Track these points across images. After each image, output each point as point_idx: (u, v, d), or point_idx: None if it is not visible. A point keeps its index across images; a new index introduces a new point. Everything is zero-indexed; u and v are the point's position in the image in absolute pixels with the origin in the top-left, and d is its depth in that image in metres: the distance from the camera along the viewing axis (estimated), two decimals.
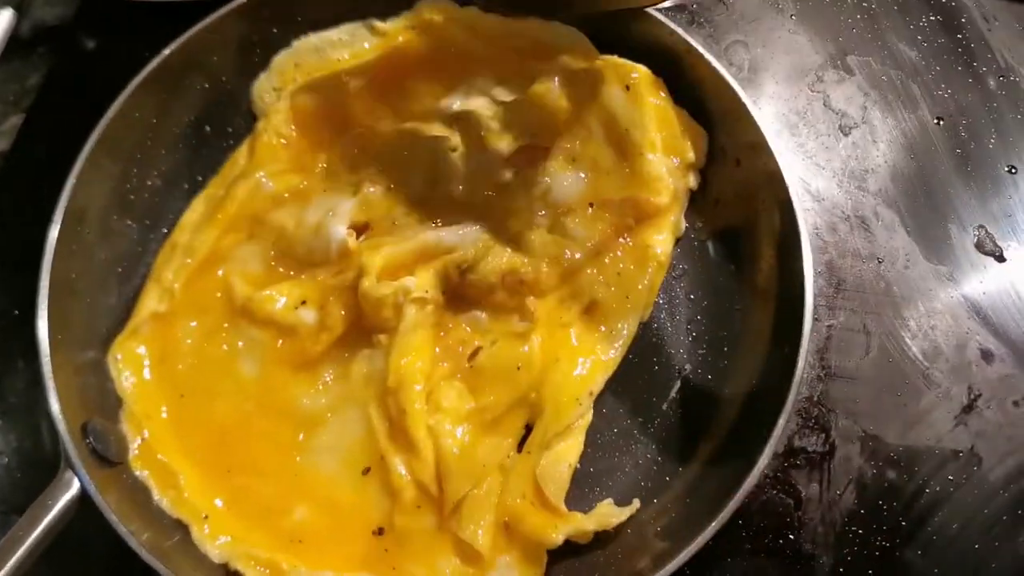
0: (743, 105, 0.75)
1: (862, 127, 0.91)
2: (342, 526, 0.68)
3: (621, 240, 0.75)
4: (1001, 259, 0.86)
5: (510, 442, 0.71)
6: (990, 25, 0.97)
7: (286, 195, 0.76)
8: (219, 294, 0.75)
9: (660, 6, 0.75)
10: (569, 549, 0.69)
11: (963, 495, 0.77)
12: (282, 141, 0.78)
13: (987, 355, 0.82)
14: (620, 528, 0.70)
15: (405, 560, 0.67)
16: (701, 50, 0.77)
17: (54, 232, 0.69)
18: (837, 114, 0.92)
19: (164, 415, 0.71)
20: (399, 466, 0.68)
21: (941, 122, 0.92)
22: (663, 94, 0.76)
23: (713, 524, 0.64)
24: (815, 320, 0.78)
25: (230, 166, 0.80)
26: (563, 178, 0.75)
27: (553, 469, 0.69)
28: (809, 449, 0.78)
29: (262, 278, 0.75)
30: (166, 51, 0.76)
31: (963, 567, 0.75)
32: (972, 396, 0.81)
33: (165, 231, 0.79)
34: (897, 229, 0.87)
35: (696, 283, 0.80)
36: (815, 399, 0.80)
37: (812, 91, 0.93)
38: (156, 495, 0.68)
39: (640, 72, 0.75)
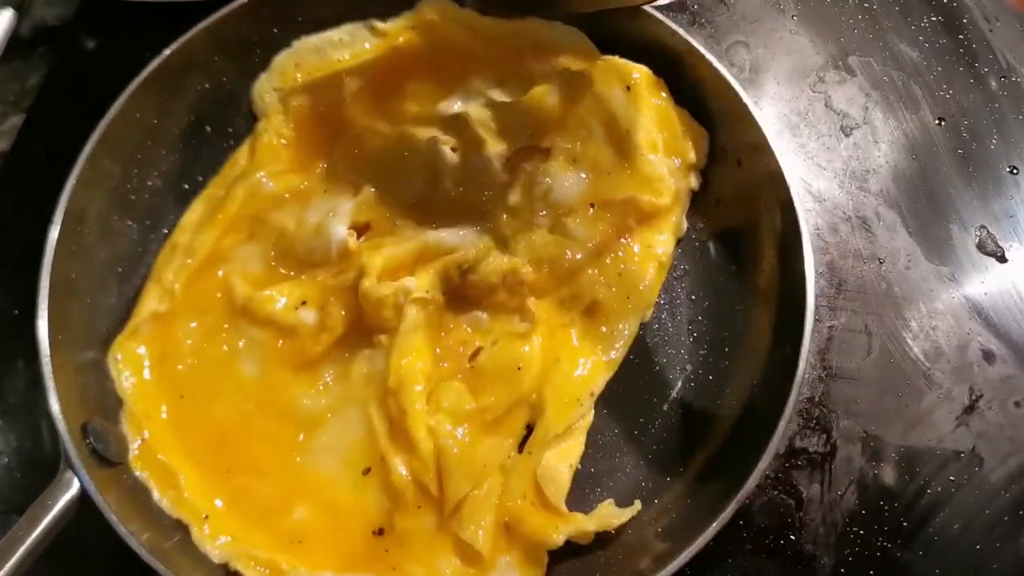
0: (744, 106, 0.75)
1: (863, 128, 0.91)
2: (342, 526, 0.68)
3: (622, 240, 0.75)
4: (1003, 260, 0.86)
5: (511, 442, 0.71)
6: (991, 26, 0.97)
7: (286, 195, 0.76)
8: (219, 294, 0.75)
9: (657, 4, 0.75)
10: (570, 550, 0.68)
11: (964, 496, 0.77)
12: (282, 141, 0.78)
13: (988, 356, 0.82)
14: (621, 529, 0.69)
15: (405, 560, 0.66)
16: (702, 50, 0.76)
17: (54, 232, 0.69)
18: (838, 115, 0.92)
19: (164, 415, 0.71)
20: (399, 466, 0.68)
21: (942, 123, 0.92)
22: (664, 94, 0.76)
23: (714, 525, 0.64)
24: (816, 321, 0.78)
25: (230, 166, 0.80)
26: (564, 179, 0.75)
27: (554, 470, 0.69)
28: (810, 450, 0.78)
29: (262, 278, 0.75)
30: (166, 51, 0.75)
31: (964, 568, 0.74)
32: (973, 397, 0.80)
33: (165, 231, 0.79)
34: (898, 230, 0.86)
35: (697, 283, 0.80)
36: (816, 400, 0.79)
37: (813, 92, 0.93)
38: (156, 495, 0.68)
39: (641, 72, 0.75)
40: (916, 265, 0.85)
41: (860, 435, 0.78)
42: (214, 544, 0.66)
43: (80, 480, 0.63)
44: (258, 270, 0.76)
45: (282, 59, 0.81)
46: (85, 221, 0.72)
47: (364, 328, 0.72)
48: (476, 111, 0.75)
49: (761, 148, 0.74)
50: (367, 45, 0.81)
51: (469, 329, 0.74)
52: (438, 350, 0.73)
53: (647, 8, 0.77)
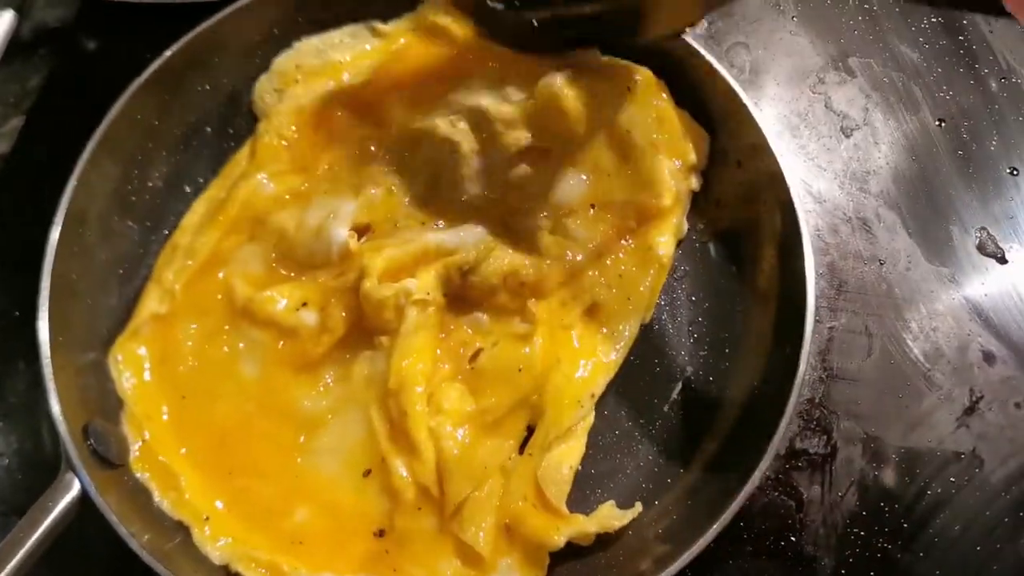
0: (744, 107, 0.75)
1: (863, 129, 0.91)
2: (343, 528, 0.68)
3: (623, 242, 0.75)
4: (1003, 261, 0.86)
5: (511, 444, 0.71)
6: (991, 27, 0.97)
7: (287, 196, 0.76)
8: (220, 296, 0.75)
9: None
10: (570, 551, 0.68)
11: (965, 497, 0.77)
12: (283, 142, 0.78)
13: (989, 357, 0.82)
14: (621, 530, 0.69)
15: (406, 562, 0.66)
16: (702, 52, 0.77)
17: (55, 233, 0.69)
18: (838, 116, 0.92)
19: (165, 416, 0.71)
20: (400, 468, 0.68)
21: (943, 124, 0.92)
22: (665, 96, 0.76)
23: (715, 526, 0.64)
24: (816, 322, 0.78)
25: (231, 167, 0.80)
26: (565, 179, 0.75)
27: (554, 471, 0.69)
28: (811, 451, 0.78)
29: (263, 279, 0.75)
30: (167, 52, 0.75)
31: (965, 569, 0.75)
32: (974, 398, 0.80)
33: (166, 232, 0.79)
34: (899, 231, 0.87)
35: (698, 285, 0.80)
36: (816, 401, 0.80)
37: (813, 93, 0.93)
38: (157, 497, 0.68)
39: (642, 74, 0.75)
40: (916, 266, 0.85)
41: (860, 436, 0.78)
42: (215, 545, 0.66)
43: (81, 481, 0.62)
44: (259, 271, 0.75)
45: (282, 60, 0.82)
46: (86, 222, 0.72)
47: (365, 329, 0.72)
48: (487, 106, 0.75)
49: (761, 149, 0.74)
50: (368, 47, 0.81)
51: (470, 330, 0.74)
52: (439, 351, 0.73)
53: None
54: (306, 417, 0.71)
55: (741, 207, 0.78)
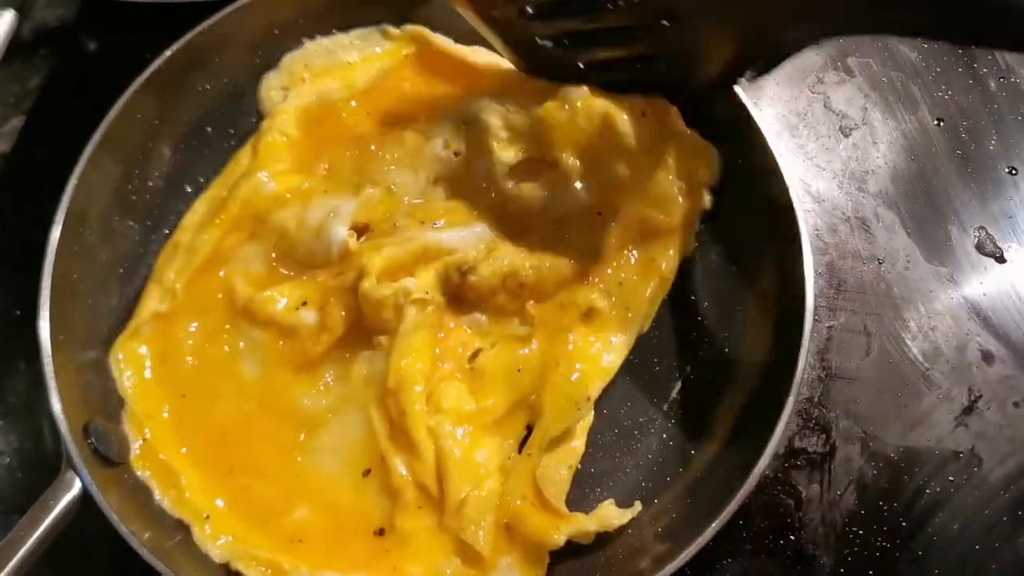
0: (743, 107, 0.75)
1: (862, 128, 0.92)
2: (343, 526, 0.68)
3: (626, 252, 0.75)
4: (1001, 260, 0.86)
5: (511, 443, 0.71)
6: None
7: (288, 195, 0.76)
8: (220, 295, 0.75)
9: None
10: (570, 550, 0.68)
11: (963, 496, 0.77)
12: (285, 140, 0.78)
13: (987, 356, 0.82)
14: (621, 529, 0.70)
15: (406, 560, 0.67)
16: None
17: (55, 233, 0.69)
18: (837, 115, 0.92)
19: (166, 415, 0.71)
20: (400, 467, 0.68)
21: (941, 123, 0.92)
22: (675, 116, 0.75)
23: (714, 524, 0.64)
24: (815, 321, 0.79)
25: (233, 166, 0.80)
26: (571, 186, 0.74)
27: (553, 471, 0.69)
28: (810, 450, 0.78)
29: (263, 279, 0.75)
30: (167, 52, 0.76)
31: (963, 568, 0.75)
32: (972, 397, 0.81)
33: (167, 232, 0.79)
34: (897, 230, 0.87)
35: (696, 284, 0.80)
36: (816, 400, 0.80)
37: (812, 92, 0.93)
38: (157, 495, 0.68)
39: (658, 102, 0.74)
40: (915, 266, 0.85)
41: (859, 435, 0.78)
42: (215, 544, 0.66)
43: (82, 480, 0.63)
44: (259, 270, 0.76)
45: (291, 59, 0.82)
46: (86, 222, 0.73)
47: (364, 329, 0.72)
48: (490, 116, 0.74)
49: (760, 149, 0.74)
50: (378, 49, 0.82)
51: (468, 330, 0.74)
52: (438, 350, 0.73)
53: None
54: (306, 416, 0.71)
55: (740, 207, 0.78)
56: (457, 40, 0.80)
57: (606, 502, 0.70)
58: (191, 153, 0.81)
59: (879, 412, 0.79)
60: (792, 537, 0.75)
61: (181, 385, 0.72)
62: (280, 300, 0.73)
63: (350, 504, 0.69)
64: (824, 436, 0.78)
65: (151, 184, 0.79)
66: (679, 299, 0.79)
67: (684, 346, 0.78)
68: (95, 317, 0.74)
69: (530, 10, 0.69)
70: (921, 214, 0.87)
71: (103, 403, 0.70)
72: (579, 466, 0.72)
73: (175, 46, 0.76)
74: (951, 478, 0.78)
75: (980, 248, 0.86)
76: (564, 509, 0.68)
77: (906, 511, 0.76)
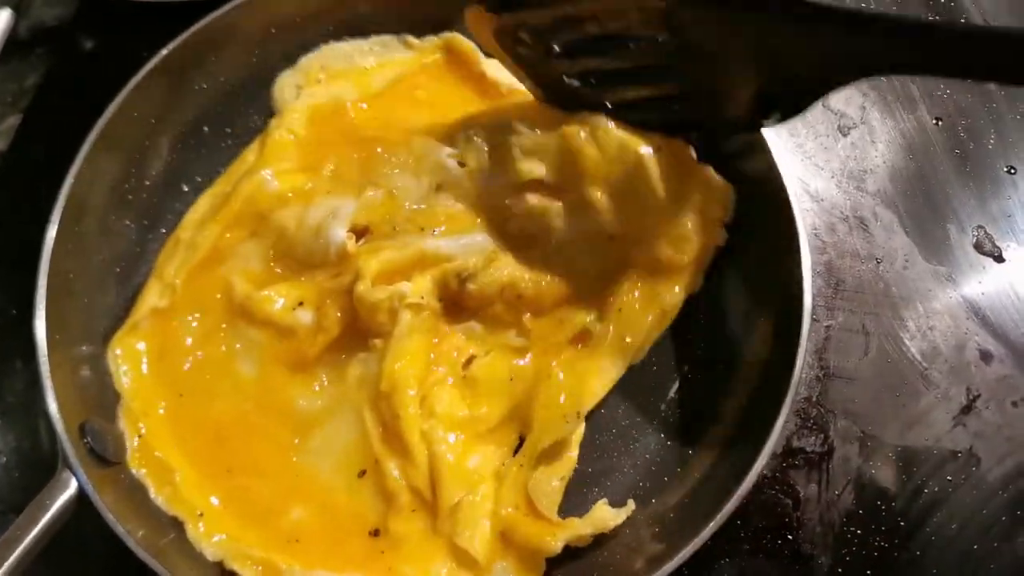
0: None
1: (861, 127, 0.91)
2: (338, 527, 0.68)
3: (631, 281, 0.74)
4: (1000, 260, 0.86)
5: (504, 451, 0.71)
6: (989, 25, 0.97)
7: (290, 194, 0.76)
8: (219, 294, 0.74)
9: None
10: (567, 551, 0.68)
11: (962, 496, 0.77)
12: (293, 139, 0.78)
13: (986, 356, 0.82)
14: (618, 529, 0.69)
15: (401, 562, 0.66)
16: None
17: (51, 232, 0.69)
18: (836, 114, 0.92)
19: (162, 411, 0.71)
20: (393, 470, 0.68)
21: (940, 122, 0.92)
22: (691, 153, 0.74)
23: (711, 524, 0.63)
24: (814, 320, 0.78)
25: (239, 164, 0.80)
26: (582, 211, 0.73)
27: (545, 483, 0.69)
28: (808, 449, 0.78)
29: (262, 277, 0.75)
30: (164, 51, 0.76)
31: (961, 568, 0.75)
32: (971, 397, 0.81)
33: (163, 231, 0.79)
34: (896, 230, 0.87)
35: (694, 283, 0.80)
36: (814, 399, 0.80)
37: None
38: (152, 492, 0.68)
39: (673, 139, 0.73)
40: (913, 265, 0.85)
41: (857, 435, 0.78)
42: (209, 542, 0.66)
43: (78, 479, 0.63)
44: (258, 269, 0.75)
45: (308, 59, 0.83)
46: (83, 220, 0.72)
47: (360, 331, 0.72)
48: (503, 132, 0.74)
49: (758, 148, 0.74)
50: (397, 56, 0.82)
51: (463, 337, 0.74)
52: (432, 355, 0.72)
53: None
54: (301, 416, 0.71)
55: (738, 206, 0.78)
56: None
57: (600, 503, 0.70)
58: (188, 152, 0.81)
59: (877, 412, 0.79)
60: (790, 537, 0.75)
61: (178, 382, 0.72)
62: (277, 300, 0.73)
63: (345, 505, 0.68)
64: (822, 436, 0.78)
65: (148, 183, 0.79)
66: None
67: (682, 346, 0.78)
68: (92, 316, 0.74)
69: (557, 48, 0.69)
70: (920, 213, 0.87)
71: (100, 400, 0.70)
72: (576, 466, 0.72)
73: (172, 45, 0.76)
74: (949, 478, 0.77)
75: (979, 247, 0.86)
76: (556, 518, 0.68)
77: (904, 511, 0.76)
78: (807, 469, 0.77)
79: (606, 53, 0.68)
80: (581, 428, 0.72)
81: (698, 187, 0.73)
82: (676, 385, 0.77)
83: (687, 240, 0.73)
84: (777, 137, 0.87)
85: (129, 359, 0.73)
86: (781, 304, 0.73)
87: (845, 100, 0.92)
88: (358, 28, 0.84)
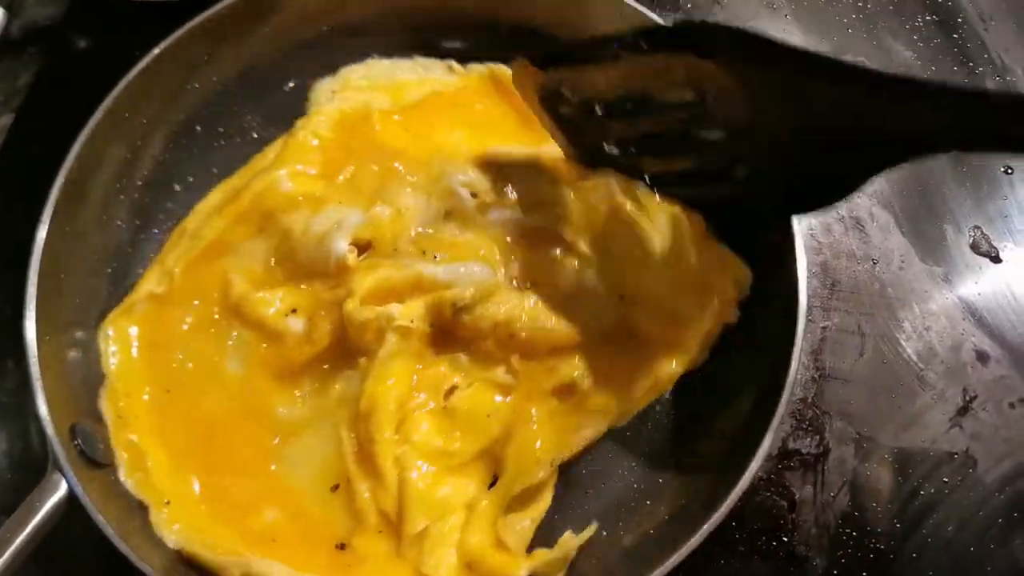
0: None
1: None
2: (308, 534, 0.67)
3: (628, 344, 0.71)
4: (996, 260, 0.86)
5: (476, 485, 0.69)
6: (987, 25, 0.97)
7: (301, 198, 0.75)
8: (216, 289, 0.74)
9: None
10: None
11: (958, 497, 0.77)
12: (315, 142, 0.77)
13: (982, 356, 0.82)
14: (614, 529, 0.70)
15: None
16: None
17: (42, 232, 0.69)
18: None
19: (146, 398, 0.71)
20: (364, 491, 0.67)
21: None
22: (709, 232, 0.72)
23: (706, 526, 0.63)
24: (809, 321, 0.78)
25: (259, 159, 0.80)
26: (591, 267, 0.71)
27: (516, 522, 0.68)
28: (803, 451, 0.78)
29: (260, 278, 0.74)
30: (156, 50, 0.75)
31: (957, 570, 0.74)
32: (967, 398, 0.80)
33: (156, 231, 0.79)
34: (892, 230, 0.86)
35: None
36: (809, 400, 0.79)
37: None
38: (123, 474, 0.67)
39: (691, 212, 0.72)
40: (910, 265, 0.85)
41: (853, 436, 0.78)
42: (170, 529, 0.65)
43: (68, 481, 0.62)
44: (258, 269, 0.74)
45: (350, 69, 0.83)
46: (74, 220, 0.72)
47: (348, 347, 0.71)
48: (518, 170, 0.73)
49: None
50: (437, 75, 0.83)
51: (449, 366, 0.72)
52: (415, 380, 0.71)
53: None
54: (281, 424, 0.70)
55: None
56: None
57: (565, 534, 0.68)
58: (180, 152, 0.81)
59: (873, 413, 0.79)
60: (785, 539, 0.75)
61: (167, 373, 0.72)
62: (272, 304, 0.72)
63: (317, 515, 0.68)
64: (818, 437, 0.78)
65: (140, 183, 0.79)
66: None
67: None
68: (83, 317, 0.73)
69: (599, 111, 0.67)
70: (916, 214, 0.87)
71: (90, 404, 0.70)
72: (571, 472, 0.72)
73: (164, 44, 0.75)
74: (945, 479, 0.77)
75: (975, 248, 0.86)
76: (524, 555, 0.67)
77: (900, 513, 0.76)
78: (803, 471, 0.77)
79: (650, 117, 0.65)
80: (555, 476, 0.71)
81: (714, 264, 0.72)
82: (670, 386, 0.76)
83: (693, 318, 0.71)
84: None
85: (120, 341, 0.72)
86: (776, 304, 0.72)
87: None
88: (355, 29, 0.84)
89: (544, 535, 0.69)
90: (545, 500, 0.70)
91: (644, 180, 0.70)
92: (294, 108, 0.83)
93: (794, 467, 0.77)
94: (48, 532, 0.62)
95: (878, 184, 0.88)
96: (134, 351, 0.72)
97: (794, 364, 0.67)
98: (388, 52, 0.85)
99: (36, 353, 0.66)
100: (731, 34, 0.57)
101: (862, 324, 0.82)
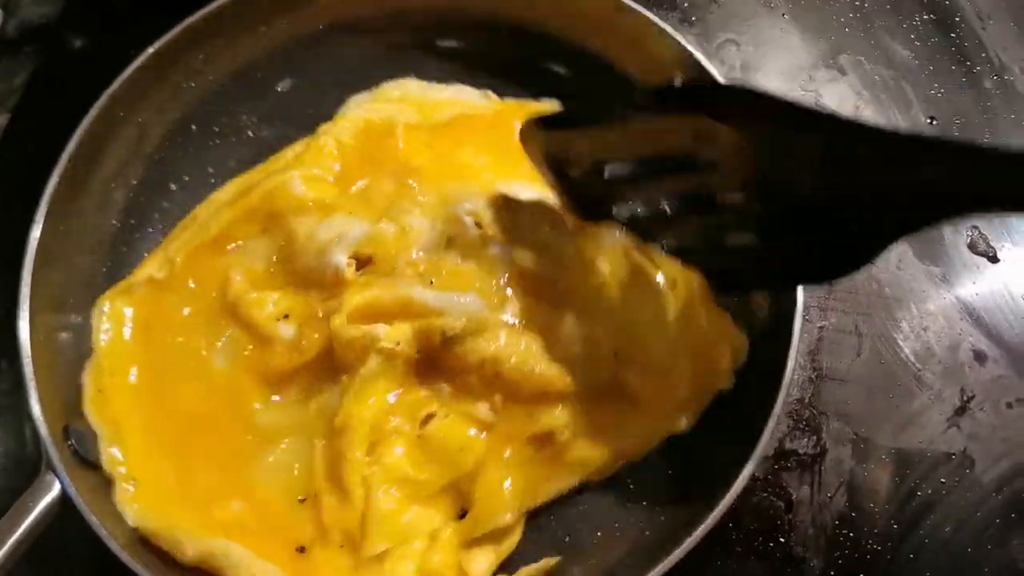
0: None
1: None
2: (271, 532, 0.66)
3: (615, 403, 0.70)
4: (994, 260, 0.85)
5: (443, 516, 0.68)
6: (984, 24, 0.97)
7: (310, 203, 0.74)
8: (215, 282, 0.73)
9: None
10: (555, 554, 0.68)
11: (955, 498, 0.77)
12: (335, 149, 0.76)
13: (980, 356, 0.82)
14: (610, 530, 0.70)
15: None
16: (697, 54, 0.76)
17: (36, 232, 0.68)
18: None
19: (132, 379, 0.71)
20: (330, 508, 0.66)
21: (934, 122, 0.91)
22: (711, 301, 0.72)
23: (702, 527, 0.63)
24: (806, 321, 0.78)
25: (278, 157, 0.79)
26: (587, 319, 0.69)
27: (480, 556, 0.67)
28: (800, 451, 0.77)
29: (261, 277, 0.73)
30: (150, 49, 0.75)
31: (954, 571, 0.74)
32: (965, 398, 0.80)
33: (151, 230, 0.78)
34: None
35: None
36: (806, 401, 0.79)
37: (804, 91, 0.93)
38: (95, 448, 0.67)
39: (689, 275, 0.71)
40: (907, 265, 0.85)
41: (850, 437, 0.78)
42: (131, 507, 0.65)
43: (61, 482, 0.62)
44: (259, 268, 0.74)
45: (388, 85, 0.82)
46: (68, 220, 0.72)
47: (333, 362, 0.69)
48: (520, 216, 0.72)
49: None
50: (473, 100, 0.82)
51: (429, 393, 0.70)
52: (394, 401, 0.69)
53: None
54: (259, 428, 0.70)
55: None
56: None
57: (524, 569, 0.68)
58: (176, 151, 0.80)
59: (870, 413, 0.79)
60: (782, 539, 0.75)
61: (155, 358, 0.71)
62: (266, 306, 0.71)
63: (281, 518, 0.67)
64: (815, 437, 0.78)
65: (135, 182, 0.78)
66: None
67: None
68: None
69: (608, 173, 0.65)
70: None
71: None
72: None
73: (159, 43, 0.75)
74: (943, 480, 0.77)
75: (973, 248, 0.86)
76: None
77: (897, 513, 0.76)
78: (799, 471, 0.77)
79: (660, 180, 0.64)
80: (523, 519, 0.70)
81: (715, 331, 0.71)
82: None
83: (687, 383, 0.70)
84: None
85: (114, 319, 0.72)
86: (773, 304, 0.72)
87: (839, 99, 0.92)
88: (351, 28, 0.84)
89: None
90: (512, 539, 0.68)
91: (653, 243, 0.68)
92: (291, 107, 0.83)
93: (791, 468, 0.77)
94: (41, 532, 0.61)
95: None
96: (126, 331, 0.72)
97: (791, 364, 0.67)
98: (386, 52, 0.85)
99: (30, 353, 0.65)
100: (746, 96, 0.55)
101: (859, 324, 0.82)
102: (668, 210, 0.65)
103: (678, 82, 0.73)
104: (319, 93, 0.84)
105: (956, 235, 0.86)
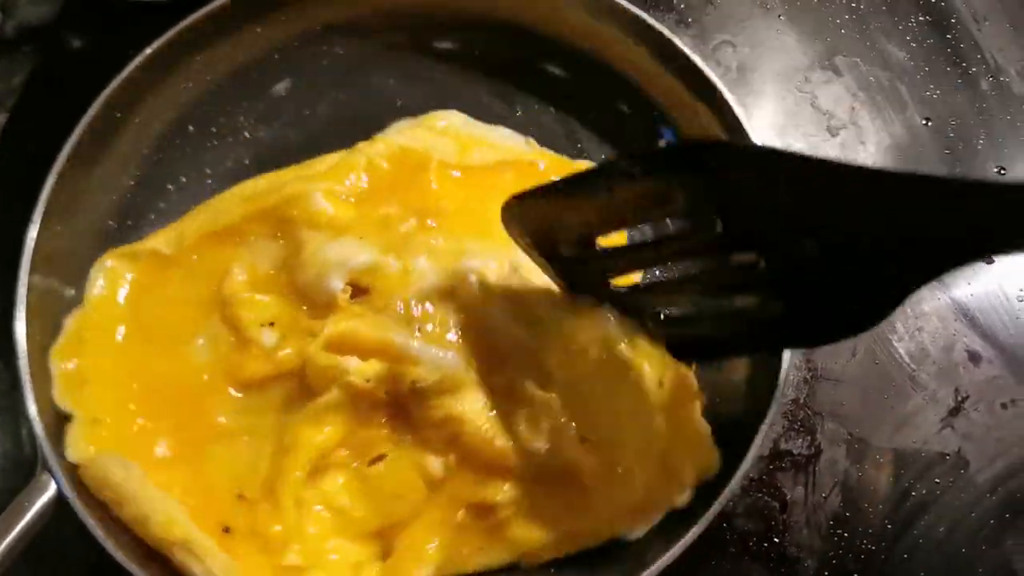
0: (729, 106, 0.75)
1: (850, 128, 0.91)
2: (204, 512, 0.66)
3: (565, 493, 0.66)
4: (989, 260, 0.85)
5: (366, 555, 0.67)
6: (980, 25, 0.97)
7: (326, 220, 0.73)
8: (216, 275, 0.73)
9: None
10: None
11: (950, 498, 0.77)
12: (364, 173, 0.76)
13: (974, 357, 0.82)
14: None
15: (238, 558, 0.65)
16: (693, 56, 0.76)
17: (32, 232, 0.69)
18: (825, 115, 0.92)
19: (119, 338, 0.71)
20: (263, 517, 0.66)
21: (929, 123, 0.91)
22: (695, 411, 0.70)
23: (696, 527, 0.63)
24: None
25: (312, 163, 0.78)
26: (564, 400, 0.67)
27: None
28: (795, 452, 0.78)
29: (261, 279, 0.73)
30: (148, 50, 0.75)
31: (949, 571, 0.74)
32: (959, 398, 0.80)
33: (148, 231, 0.78)
34: None
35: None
36: (801, 401, 0.79)
37: (800, 92, 0.93)
38: (56, 388, 0.67)
39: (682, 372, 0.70)
40: None
41: (845, 437, 0.78)
42: (78, 447, 0.65)
43: (57, 482, 0.62)
44: (261, 270, 0.73)
45: (435, 115, 0.82)
46: (65, 221, 0.72)
47: (305, 384, 0.69)
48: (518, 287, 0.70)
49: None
50: (516, 147, 0.81)
51: (386, 434, 0.68)
52: (348, 432, 0.68)
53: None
54: (219, 423, 0.69)
55: None
56: None
57: None
58: (173, 151, 0.80)
59: (865, 414, 0.79)
60: (776, 540, 0.75)
61: (142, 328, 0.72)
62: (255, 309, 0.71)
63: (218, 502, 0.67)
64: (809, 438, 0.78)
65: (132, 182, 0.78)
66: None
67: None
68: None
69: (598, 246, 0.62)
70: None
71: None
72: None
73: (156, 43, 0.75)
74: (937, 480, 0.77)
75: None
76: None
77: (892, 513, 0.76)
78: (794, 472, 0.77)
79: (654, 250, 0.62)
80: None
81: (689, 441, 0.69)
82: None
83: (639, 488, 0.67)
84: (766, 138, 0.88)
85: (112, 278, 0.73)
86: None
87: (834, 100, 0.92)
88: (348, 29, 0.84)
89: None
90: None
91: (650, 319, 0.67)
92: (288, 108, 0.84)
93: (786, 468, 0.77)
94: (37, 532, 0.61)
95: None
96: (121, 292, 0.72)
97: (785, 364, 0.67)
98: (384, 53, 0.85)
99: (26, 353, 0.66)
100: (737, 153, 0.53)
101: None
102: (663, 276, 0.65)
103: (664, 143, 0.73)
104: (316, 94, 0.84)
105: None
